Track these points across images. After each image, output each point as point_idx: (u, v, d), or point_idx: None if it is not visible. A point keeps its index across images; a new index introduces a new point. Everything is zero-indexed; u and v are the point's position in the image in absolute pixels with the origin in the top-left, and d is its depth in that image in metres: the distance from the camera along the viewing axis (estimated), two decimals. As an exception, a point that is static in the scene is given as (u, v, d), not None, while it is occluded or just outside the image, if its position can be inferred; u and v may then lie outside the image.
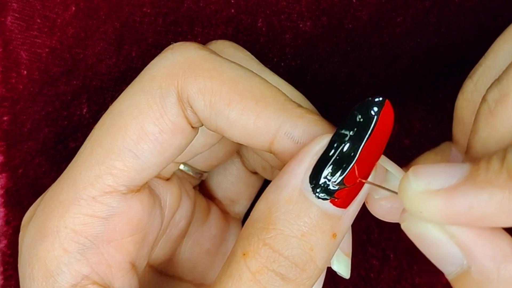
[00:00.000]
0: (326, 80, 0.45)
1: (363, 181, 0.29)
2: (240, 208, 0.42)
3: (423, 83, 0.47)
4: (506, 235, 0.27)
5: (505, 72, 0.29)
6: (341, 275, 0.33)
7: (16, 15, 0.39)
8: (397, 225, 0.42)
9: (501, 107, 0.29)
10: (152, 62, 0.32)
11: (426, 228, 0.27)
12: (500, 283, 0.26)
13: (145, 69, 0.32)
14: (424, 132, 0.46)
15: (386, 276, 0.45)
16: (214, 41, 0.37)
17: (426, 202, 0.26)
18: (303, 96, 0.35)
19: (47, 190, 0.33)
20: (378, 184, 0.30)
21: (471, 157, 0.30)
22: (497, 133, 0.29)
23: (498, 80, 0.29)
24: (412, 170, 0.26)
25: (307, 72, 0.44)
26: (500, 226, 0.26)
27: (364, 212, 0.31)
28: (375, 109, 0.29)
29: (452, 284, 0.28)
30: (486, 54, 0.38)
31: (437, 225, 0.27)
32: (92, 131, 0.32)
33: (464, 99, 0.38)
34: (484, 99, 0.29)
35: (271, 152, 0.31)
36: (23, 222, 0.34)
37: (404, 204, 0.27)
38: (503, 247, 0.26)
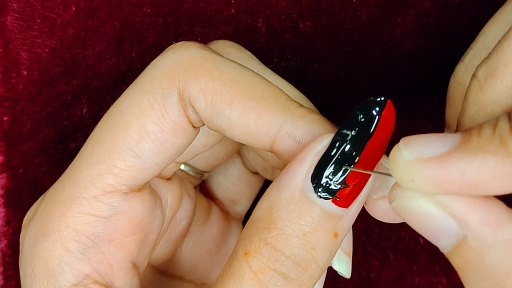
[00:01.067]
0: (326, 80, 0.45)
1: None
2: (240, 208, 0.42)
3: (423, 83, 0.47)
4: (499, 201, 0.26)
5: (494, 49, 0.29)
6: (342, 275, 0.33)
7: (16, 15, 0.39)
8: (397, 225, 0.42)
9: (491, 81, 0.29)
10: (153, 62, 0.32)
11: (418, 203, 0.26)
12: (497, 247, 0.25)
13: (146, 69, 0.32)
14: (424, 132, 0.46)
15: (386, 276, 0.45)
16: (215, 41, 0.37)
17: (418, 170, 0.25)
18: (304, 96, 0.35)
19: (48, 190, 0.33)
20: (382, 180, 0.30)
21: None
22: (486, 108, 0.29)
23: (487, 58, 0.29)
24: (403, 140, 0.26)
25: (307, 72, 0.44)
26: (493, 193, 0.25)
27: (364, 212, 0.31)
28: (377, 109, 0.29)
29: (449, 258, 0.27)
30: (476, 38, 0.39)
31: (429, 198, 0.26)
32: (93, 130, 0.32)
33: (456, 82, 0.38)
34: (474, 75, 0.29)
35: (272, 152, 0.31)
36: (24, 222, 0.34)
37: (395, 174, 0.26)
38: (498, 212, 0.26)
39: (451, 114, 0.37)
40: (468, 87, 0.30)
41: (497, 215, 0.26)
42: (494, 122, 0.25)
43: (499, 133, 0.25)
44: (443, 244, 0.27)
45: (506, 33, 0.29)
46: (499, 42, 0.29)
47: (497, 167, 0.24)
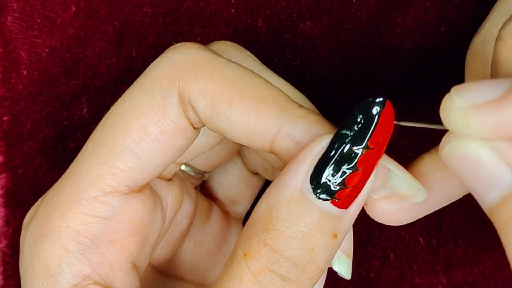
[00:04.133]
0: (326, 80, 0.45)
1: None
2: (241, 209, 0.42)
3: (423, 83, 0.47)
4: None
5: None
6: (342, 276, 0.33)
7: (16, 15, 0.39)
8: (397, 225, 0.42)
9: None
10: (154, 62, 0.32)
11: (473, 148, 0.26)
12: None
13: (146, 69, 0.32)
14: (424, 132, 0.46)
15: (386, 276, 0.45)
16: (215, 42, 0.37)
17: (474, 115, 0.25)
18: (304, 97, 0.35)
19: (48, 190, 0.33)
20: (382, 180, 0.30)
21: None
22: None
23: (510, 18, 0.29)
24: (454, 88, 0.25)
25: (307, 72, 0.44)
26: None
27: (364, 212, 0.31)
28: (376, 109, 0.29)
29: (494, 212, 0.26)
30: (492, 10, 0.38)
31: (485, 143, 0.25)
32: (94, 131, 0.32)
33: (474, 53, 0.37)
34: (498, 38, 0.29)
35: (272, 153, 0.31)
36: (24, 222, 0.34)
37: (449, 123, 0.25)
38: None
39: None
40: (495, 51, 0.29)
41: None
42: None
43: None
44: (492, 196, 0.26)
45: None
46: None
47: None
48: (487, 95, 0.25)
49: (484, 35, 0.37)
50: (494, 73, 0.29)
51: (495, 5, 0.39)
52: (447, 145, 0.27)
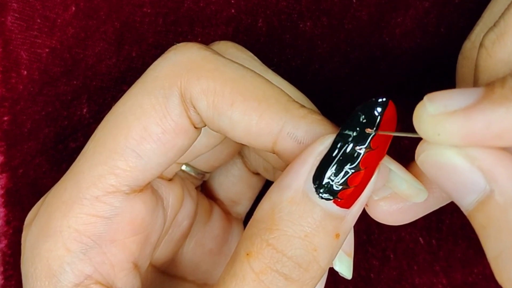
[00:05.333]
0: (326, 80, 0.45)
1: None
2: (242, 209, 0.42)
3: (423, 83, 0.47)
4: None
5: (501, 16, 0.29)
6: (343, 276, 0.33)
7: (16, 15, 0.39)
8: (397, 226, 0.42)
9: (499, 45, 0.29)
10: (155, 62, 0.32)
11: (447, 155, 0.26)
12: None
13: (148, 69, 0.32)
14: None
15: (386, 276, 0.45)
16: (216, 42, 0.37)
17: (444, 123, 0.25)
18: (305, 97, 0.35)
19: (50, 190, 0.33)
20: (383, 181, 0.30)
21: None
22: (497, 73, 0.29)
23: (494, 26, 0.29)
24: (427, 96, 0.26)
25: (307, 72, 0.44)
26: None
27: (364, 212, 0.31)
28: (379, 109, 0.29)
29: (472, 216, 0.27)
30: (482, 15, 0.39)
31: (458, 151, 0.26)
32: (95, 131, 0.32)
33: (464, 58, 0.38)
34: (481, 45, 0.30)
35: (274, 153, 0.31)
36: (26, 222, 0.34)
37: (420, 130, 0.26)
38: None
39: None
40: (477, 57, 0.30)
41: None
42: None
43: None
44: (468, 200, 0.27)
45: None
46: (507, 9, 0.29)
47: None
48: (458, 103, 0.25)
49: (473, 41, 0.38)
50: (475, 78, 0.30)
51: (485, 11, 0.39)
52: (422, 153, 0.27)
